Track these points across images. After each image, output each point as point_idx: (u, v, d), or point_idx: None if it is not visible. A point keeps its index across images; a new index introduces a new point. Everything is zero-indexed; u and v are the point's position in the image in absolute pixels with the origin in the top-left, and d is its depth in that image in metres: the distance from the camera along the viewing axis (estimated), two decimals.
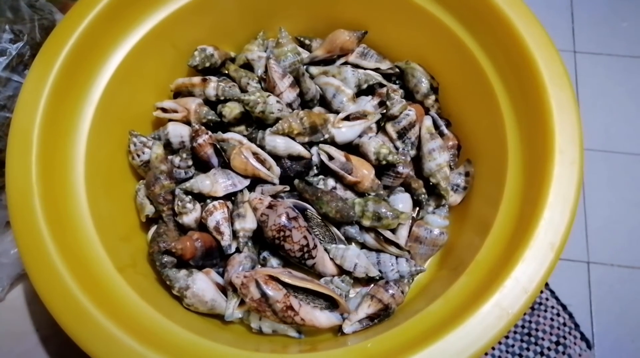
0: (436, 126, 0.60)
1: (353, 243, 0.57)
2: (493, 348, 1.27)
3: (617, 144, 1.47)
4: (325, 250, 0.54)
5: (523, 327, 1.26)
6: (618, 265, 1.35)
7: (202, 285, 0.50)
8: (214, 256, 0.54)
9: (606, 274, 1.35)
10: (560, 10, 1.68)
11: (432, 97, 0.62)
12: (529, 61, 0.49)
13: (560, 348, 1.25)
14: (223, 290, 0.52)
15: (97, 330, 0.41)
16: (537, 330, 1.25)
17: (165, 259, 0.52)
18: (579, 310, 1.28)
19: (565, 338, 1.28)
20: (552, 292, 1.35)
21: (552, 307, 1.29)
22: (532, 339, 1.24)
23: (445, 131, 0.60)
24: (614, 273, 1.34)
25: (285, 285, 0.48)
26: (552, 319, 1.28)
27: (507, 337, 1.28)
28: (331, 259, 0.54)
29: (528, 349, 1.25)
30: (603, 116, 1.54)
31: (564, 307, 1.32)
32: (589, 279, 1.34)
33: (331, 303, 0.51)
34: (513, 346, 1.26)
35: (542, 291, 1.31)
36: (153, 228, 0.56)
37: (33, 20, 0.55)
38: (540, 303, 1.30)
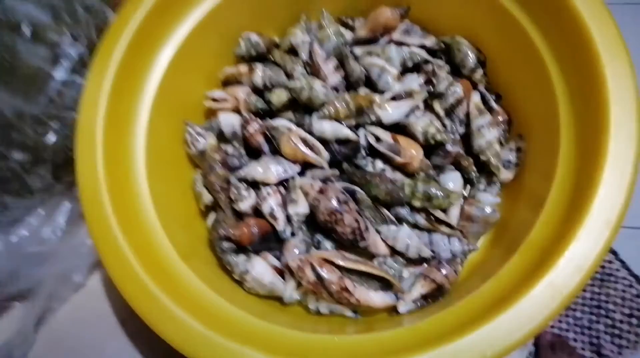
0: (485, 101, 0.59)
1: (404, 224, 0.57)
2: (560, 322, 1.24)
3: None
4: (377, 231, 0.55)
5: (592, 299, 1.23)
6: None
7: (261, 269, 0.53)
8: (271, 241, 0.56)
9: None
10: None
11: (480, 71, 0.60)
12: (581, 28, 0.46)
13: (634, 320, 1.20)
14: (280, 272, 0.55)
15: (166, 314, 0.45)
16: (607, 302, 1.21)
17: (225, 245, 0.55)
18: None
19: (639, 310, 1.23)
20: (622, 262, 1.29)
21: (624, 278, 1.24)
22: (602, 312, 1.21)
23: (495, 106, 0.59)
24: None
25: (340, 267, 0.50)
26: (623, 291, 1.23)
27: (574, 310, 1.25)
28: (383, 240, 0.55)
29: (598, 322, 1.21)
30: None
31: (637, 278, 1.27)
32: None
33: (385, 284, 0.52)
34: (581, 319, 1.22)
35: (611, 262, 1.26)
36: (212, 216, 0.59)
37: (88, 22, 0.58)
38: (610, 275, 1.26)
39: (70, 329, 0.60)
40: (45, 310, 0.60)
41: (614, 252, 1.22)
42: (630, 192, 0.42)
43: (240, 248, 0.55)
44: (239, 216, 0.58)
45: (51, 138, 0.57)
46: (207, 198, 0.58)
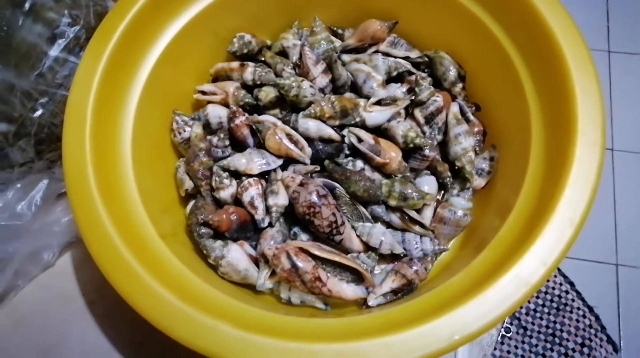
0: (463, 112, 0.62)
1: (379, 222, 0.59)
2: (516, 348, 1.27)
3: None
4: (353, 227, 0.57)
5: (547, 327, 1.27)
6: None
7: (236, 255, 0.54)
8: (248, 230, 0.57)
9: (635, 276, 1.33)
10: (595, 9, 1.66)
11: (460, 85, 0.64)
12: (553, 46, 0.50)
13: (586, 350, 1.25)
14: (255, 261, 0.56)
15: (143, 287, 0.44)
16: (561, 330, 1.26)
17: (202, 230, 0.55)
18: (606, 312, 1.28)
19: (590, 340, 1.28)
20: (578, 293, 1.35)
21: (578, 308, 1.30)
22: (557, 340, 1.25)
23: (472, 117, 0.62)
24: None
25: (315, 257, 0.51)
26: (577, 320, 1.28)
27: (530, 337, 1.29)
28: (358, 236, 0.57)
29: (552, 350, 1.25)
30: (636, 117, 1.52)
31: (591, 309, 1.32)
32: (617, 281, 1.33)
33: (357, 278, 0.53)
34: (537, 346, 1.26)
35: (567, 292, 1.31)
36: (192, 202, 0.60)
37: (89, 7, 0.60)
38: (565, 304, 1.31)
39: (36, 307, 0.59)
40: (10, 287, 0.59)
41: (571, 283, 1.27)
42: (593, 195, 0.45)
43: (218, 234, 0.56)
44: (219, 204, 0.59)
45: (38, 112, 0.57)
46: (188, 184, 0.59)
